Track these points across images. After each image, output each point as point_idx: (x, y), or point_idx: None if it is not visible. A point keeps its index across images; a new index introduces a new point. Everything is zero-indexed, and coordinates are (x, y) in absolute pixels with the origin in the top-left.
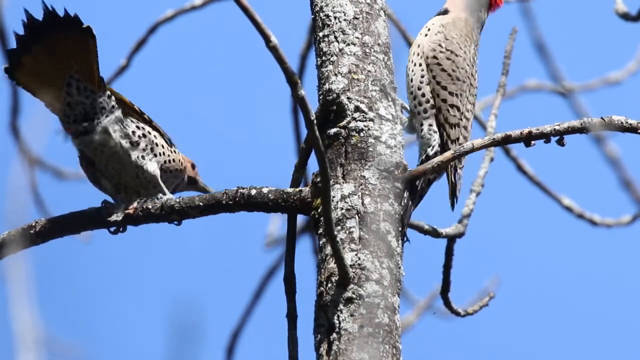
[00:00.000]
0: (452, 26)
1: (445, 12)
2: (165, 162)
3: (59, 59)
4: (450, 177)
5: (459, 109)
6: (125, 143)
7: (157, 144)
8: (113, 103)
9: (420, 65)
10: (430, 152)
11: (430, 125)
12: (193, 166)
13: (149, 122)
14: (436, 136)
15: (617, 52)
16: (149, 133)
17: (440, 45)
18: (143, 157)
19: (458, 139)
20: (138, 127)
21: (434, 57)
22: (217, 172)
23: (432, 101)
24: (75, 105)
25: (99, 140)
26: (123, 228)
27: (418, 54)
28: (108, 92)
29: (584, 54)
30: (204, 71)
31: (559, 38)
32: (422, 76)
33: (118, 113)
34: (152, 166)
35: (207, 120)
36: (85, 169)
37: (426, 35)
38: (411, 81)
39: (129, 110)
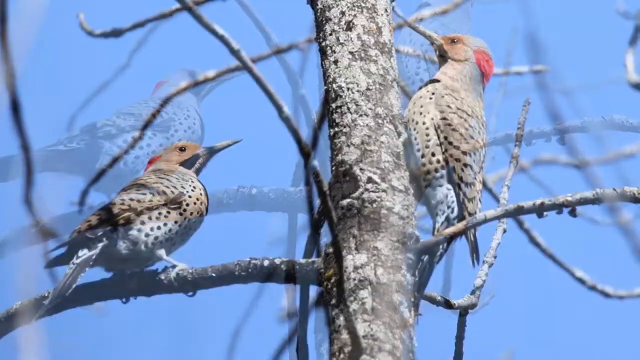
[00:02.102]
0: (458, 88)
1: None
2: (179, 233)
3: None
4: (470, 235)
5: (472, 168)
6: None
7: (164, 239)
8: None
9: (425, 123)
10: (452, 215)
11: (448, 188)
12: (182, 149)
13: (153, 207)
14: (454, 197)
15: (617, 51)
16: (156, 238)
17: (449, 106)
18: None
19: (475, 197)
20: (146, 244)
21: (444, 118)
22: (217, 171)
23: (442, 162)
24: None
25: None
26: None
27: (422, 113)
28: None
29: (583, 53)
30: (205, 71)
31: (559, 37)
32: (427, 135)
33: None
34: (159, 253)
35: (206, 120)
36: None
37: (430, 98)
38: (415, 139)
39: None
